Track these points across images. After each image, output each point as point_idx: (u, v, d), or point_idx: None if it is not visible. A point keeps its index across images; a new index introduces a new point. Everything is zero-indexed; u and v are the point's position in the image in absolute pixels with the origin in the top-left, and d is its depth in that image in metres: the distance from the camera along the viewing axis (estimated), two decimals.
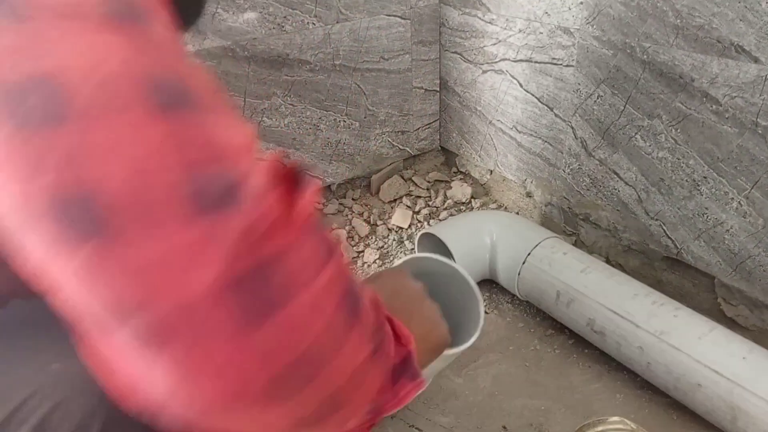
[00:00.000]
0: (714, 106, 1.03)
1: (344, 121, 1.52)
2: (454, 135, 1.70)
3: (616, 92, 1.18)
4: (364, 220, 1.54)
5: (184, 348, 0.32)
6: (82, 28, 0.34)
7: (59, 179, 0.31)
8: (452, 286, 0.82)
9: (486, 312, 1.27)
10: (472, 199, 1.62)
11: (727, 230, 1.08)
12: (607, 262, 1.34)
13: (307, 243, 0.37)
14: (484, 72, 1.50)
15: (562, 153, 1.36)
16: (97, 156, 0.32)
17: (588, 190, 1.33)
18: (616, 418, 0.89)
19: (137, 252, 0.32)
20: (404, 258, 0.78)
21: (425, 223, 1.54)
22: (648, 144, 1.16)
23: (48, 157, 0.32)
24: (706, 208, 1.10)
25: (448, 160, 1.78)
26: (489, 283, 1.33)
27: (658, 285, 1.24)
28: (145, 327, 0.32)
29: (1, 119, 0.32)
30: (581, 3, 1.19)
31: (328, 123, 1.49)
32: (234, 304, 0.33)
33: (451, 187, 1.65)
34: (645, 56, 1.11)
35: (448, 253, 1.25)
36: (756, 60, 0.95)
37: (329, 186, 1.61)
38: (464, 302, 0.81)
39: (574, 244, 1.39)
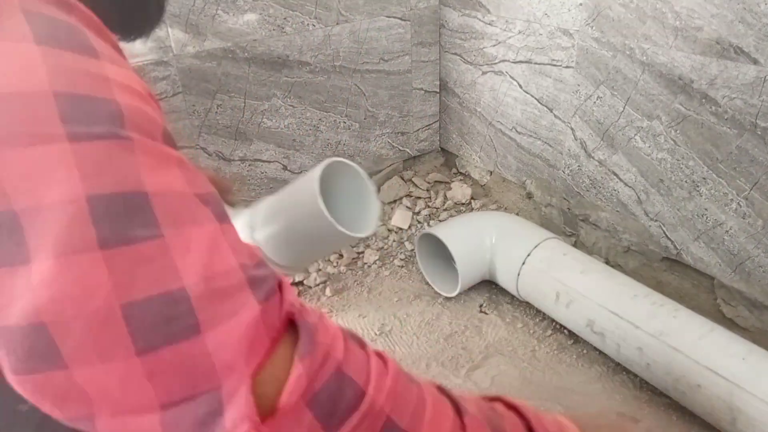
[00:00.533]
0: (713, 108, 1.03)
1: (344, 123, 1.52)
2: (454, 136, 1.70)
3: (616, 93, 1.18)
4: None
5: None
6: None
7: None
8: (353, 185, 0.87)
9: (486, 313, 1.27)
10: (472, 200, 1.62)
11: (727, 231, 1.08)
12: (607, 262, 1.34)
13: None
14: (484, 73, 1.50)
15: (561, 154, 1.36)
16: None
17: (588, 191, 1.33)
18: None
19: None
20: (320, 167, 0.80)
21: (425, 224, 1.54)
22: (647, 145, 1.16)
23: None
24: (706, 209, 1.10)
25: (448, 161, 1.78)
26: (489, 284, 1.33)
27: (657, 286, 1.24)
28: None
29: None
30: (581, 4, 1.19)
31: (328, 124, 1.50)
32: None
33: (451, 188, 1.65)
34: (644, 57, 1.11)
35: (448, 254, 1.26)
36: (755, 61, 0.95)
37: None
38: (362, 197, 0.87)
39: (574, 245, 1.39)
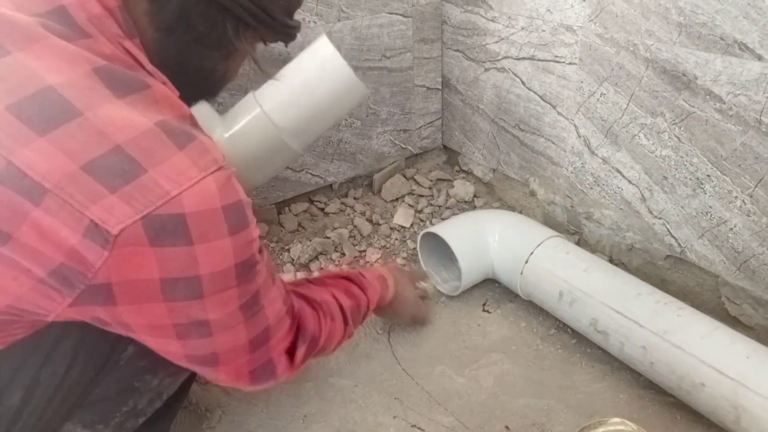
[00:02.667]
0: (717, 104, 1.02)
1: (346, 120, 1.52)
2: (457, 133, 1.69)
3: (619, 90, 1.18)
4: (367, 219, 1.54)
5: None
6: None
7: None
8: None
9: (488, 312, 1.26)
10: (475, 198, 1.61)
11: (731, 229, 1.08)
12: (611, 261, 1.33)
13: None
14: (487, 70, 1.49)
15: (564, 151, 1.36)
16: None
17: (591, 188, 1.33)
18: (617, 419, 0.88)
19: None
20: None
21: (428, 222, 1.54)
22: (651, 142, 1.15)
23: None
24: (710, 207, 1.10)
25: (451, 158, 1.77)
26: (491, 283, 1.32)
27: (661, 284, 1.24)
28: None
29: None
30: (584, 0, 1.18)
31: None
32: None
33: (453, 186, 1.65)
34: (648, 54, 1.10)
35: (450, 253, 1.25)
36: (760, 57, 0.94)
37: (331, 185, 1.61)
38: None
39: (577, 243, 1.38)
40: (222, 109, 1.31)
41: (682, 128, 1.09)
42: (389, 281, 0.99)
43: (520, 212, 1.52)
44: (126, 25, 0.58)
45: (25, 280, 0.49)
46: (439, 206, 1.59)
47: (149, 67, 0.58)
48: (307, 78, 1.01)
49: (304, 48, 1.07)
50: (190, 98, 0.71)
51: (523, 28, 1.34)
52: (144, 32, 0.60)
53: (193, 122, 0.58)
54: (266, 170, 1.08)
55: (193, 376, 0.85)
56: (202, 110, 1.00)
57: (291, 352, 0.73)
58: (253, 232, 0.58)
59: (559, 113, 1.33)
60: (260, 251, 0.61)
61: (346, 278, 0.91)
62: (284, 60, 1.35)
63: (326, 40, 0.99)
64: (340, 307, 0.84)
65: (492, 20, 1.42)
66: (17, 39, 0.50)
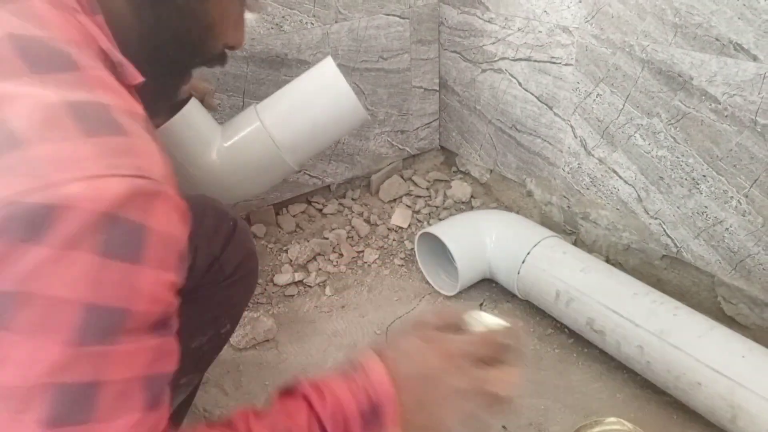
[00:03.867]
0: (713, 105, 1.02)
1: None
2: (454, 134, 1.70)
3: (615, 91, 1.18)
4: (364, 220, 1.54)
5: None
6: None
7: None
8: None
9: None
10: (472, 199, 1.62)
11: (727, 229, 1.08)
12: (607, 261, 1.34)
13: None
14: (484, 71, 1.50)
15: (561, 152, 1.36)
16: None
17: (588, 188, 1.33)
18: (613, 419, 0.89)
19: None
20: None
21: (425, 222, 1.54)
22: (647, 142, 1.16)
23: None
24: (706, 207, 1.10)
25: (448, 159, 1.78)
26: (489, 283, 1.33)
27: (657, 284, 1.24)
28: None
29: None
30: (580, 1, 1.19)
31: None
32: None
33: (451, 187, 1.65)
34: (644, 55, 1.10)
35: (448, 253, 1.25)
36: (755, 58, 0.94)
37: (329, 186, 1.61)
38: None
39: (574, 243, 1.39)
40: (222, 122, 1.32)
41: (677, 129, 1.10)
42: (371, 395, 0.50)
43: (517, 213, 1.53)
44: (88, 2, 0.50)
45: None
46: (437, 207, 1.59)
47: (105, 44, 0.49)
48: (309, 97, 1.02)
49: (311, 66, 1.10)
50: (176, 71, 0.66)
51: (519, 30, 1.35)
52: (118, 23, 0.53)
53: (145, 125, 0.45)
54: (262, 183, 1.09)
55: (195, 390, 0.85)
56: (202, 119, 1.00)
57: None
58: (145, 277, 0.40)
59: (555, 114, 1.34)
60: (150, 331, 0.41)
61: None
62: (281, 61, 1.35)
63: (331, 62, 1.00)
64: None
65: (489, 21, 1.42)
66: None
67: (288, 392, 0.51)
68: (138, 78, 0.51)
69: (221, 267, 0.87)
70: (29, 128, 0.38)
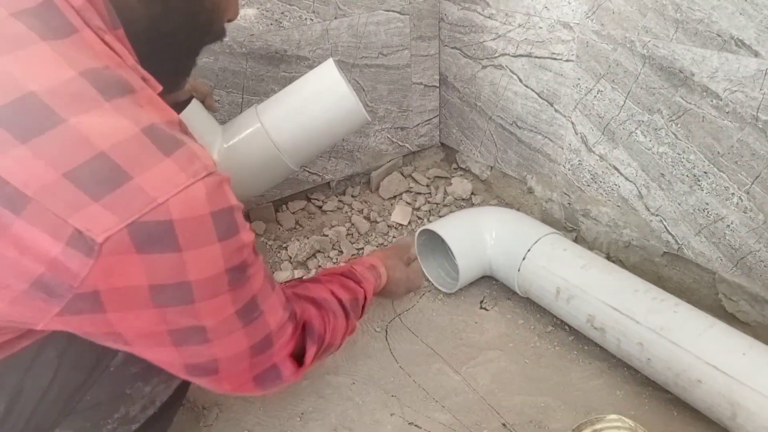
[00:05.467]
0: (714, 101, 1.02)
1: None
2: (454, 131, 1.69)
3: (616, 87, 1.17)
4: (364, 217, 1.54)
5: None
6: None
7: None
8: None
9: (486, 309, 1.26)
10: (473, 195, 1.61)
11: (728, 225, 1.08)
12: (608, 257, 1.33)
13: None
14: (484, 67, 1.49)
15: (562, 149, 1.36)
16: None
17: (588, 185, 1.33)
18: (614, 416, 0.88)
19: None
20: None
21: (425, 219, 1.54)
22: (648, 139, 1.15)
23: None
24: (707, 204, 1.10)
25: (448, 156, 1.77)
26: (489, 280, 1.32)
27: (658, 281, 1.24)
28: None
29: None
30: None
31: None
32: None
33: (451, 184, 1.65)
34: (645, 50, 1.10)
35: (448, 250, 1.25)
36: (756, 54, 0.94)
37: (329, 183, 1.61)
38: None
39: (575, 240, 1.38)
40: (221, 118, 1.32)
41: (678, 125, 1.09)
42: (380, 269, 1.00)
43: (518, 209, 1.52)
44: (108, 14, 0.56)
45: (6, 293, 0.48)
46: (437, 204, 1.59)
47: (130, 62, 0.57)
48: (309, 100, 1.02)
49: (312, 68, 1.09)
50: (188, 54, 0.72)
51: (520, 25, 1.34)
52: (129, 15, 0.58)
53: (183, 128, 0.56)
54: (262, 183, 1.09)
55: (187, 383, 0.84)
56: (203, 119, 1.00)
57: (297, 354, 0.72)
58: (244, 237, 0.56)
59: (556, 110, 1.33)
60: (255, 256, 0.60)
61: (341, 274, 0.92)
62: (281, 57, 1.34)
63: (332, 64, 0.99)
64: (340, 302, 0.84)
65: (489, 17, 1.42)
66: (1, 43, 0.49)
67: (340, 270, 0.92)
68: (159, 87, 0.59)
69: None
70: (128, 160, 0.48)
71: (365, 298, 0.92)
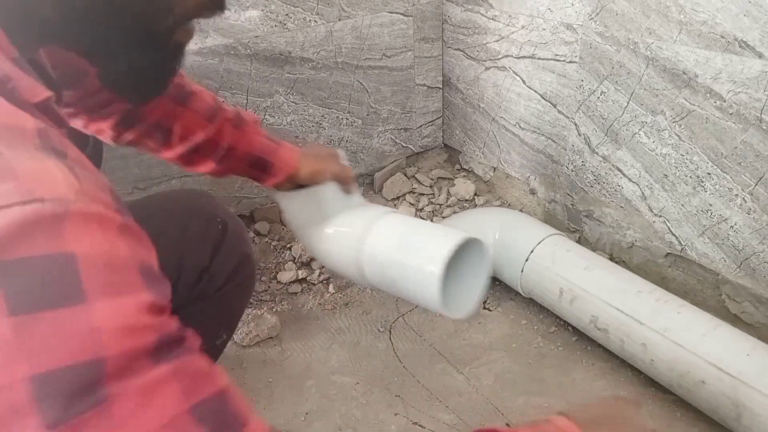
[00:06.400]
0: (718, 102, 1.02)
1: (347, 119, 1.52)
2: (457, 132, 1.69)
3: (620, 88, 1.18)
4: None
5: None
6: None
7: None
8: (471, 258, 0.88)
9: (489, 310, 1.26)
10: (476, 196, 1.61)
11: (732, 227, 1.08)
12: (611, 258, 1.33)
13: None
14: (487, 69, 1.49)
15: (565, 150, 1.36)
16: None
17: (591, 186, 1.33)
18: None
19: None
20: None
21: (428, 220, 1.54)
22: (651, 140, 1.16)
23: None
24: (711, 205, 1.10)
25: (452, 157, 1.78)
26: (492, 281, 1.33)
27: (662, 282, 1.24)
28: None
29: None
30: None
31: (330, 121, 1.49)
32: None
33: (454, 185, 1.65)
34: (648, 52, 1.10)
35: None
36: (760, 55, 0.94)
37: None
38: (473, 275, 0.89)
39: (578, 241, 1.38)
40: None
41: (682, 126, 1.09)
42: None
43: (521, 210, 1.53)
44: None
45: None
46: (440, 205, 1.59)
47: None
48: (405, 265, 0.86)
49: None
50: (149, 39, 0.51)
51: (523, 27, 1.35)
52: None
53: (44, 141, 0.37)
54: (341, 272, 1.01)
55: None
56: (329, 201, 0.92)
57: None
58: (95, 313, 0.32)
59: (559, 112, 1.33)
60: (154, 357, 0.34)
61: None
62: (285, 59, 1.35)
63: (445, 255, 0.80)
64: None
65: (492, 19, 1.42)
66: None
67: None
68: (40, 95, 0.42)
69: (212, 278, 0.79)
70: None
71: None
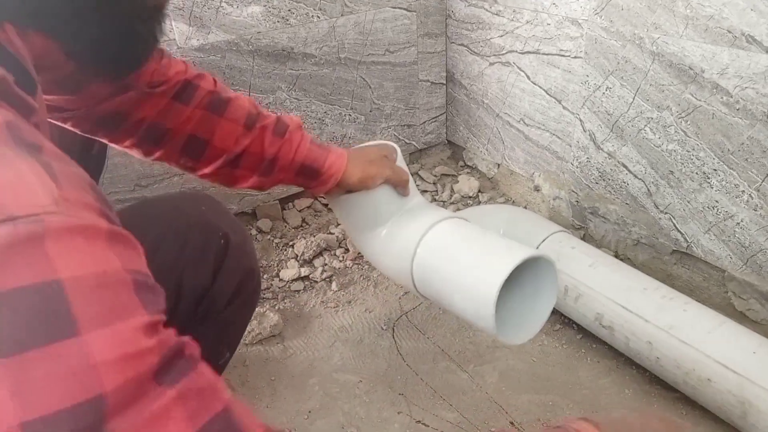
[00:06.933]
0: (724, 98, 1.01)
1: (350, 115, 1.51)
2: (461, 128, 1.68)
3: (625, 84, 1.17)
4: None
5: None
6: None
7: None
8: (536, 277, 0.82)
9: None
10: (480, 193, 1.61)
11: (738, 223, 1.07)
12: (616, 256, 1.33)
13: None
14: (491, 64, 1.48)
15: (570, 146, 1.35)
16: None
17: (596, 183, 1.32)
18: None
19: None
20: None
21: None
22: (657, 136, 1.15)
23: None
24: (717, 201, 1.09)
25: (455, 153, 1.77)
26: None
27: (667, 279, 1.23)
28: None
29: None
30: None
31: (333, 117, 1.49)
32: None
33: (458, 181, 1.64)
34: (654, 47, 1.09)
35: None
36: (767, 50, 0.93)
37: None
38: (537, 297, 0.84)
39: (583, 238, 1.38)
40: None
41: (688, 122, 1.08)
42: None
43: (525, 207, 1.52)
44: None
45: None
46: (444, 201, 1.58)
47: None
48: (455, 282, 0.82)
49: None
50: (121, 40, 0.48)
51: (528, 22, 1.34)
52: None
53: (18, 139, 0.33)
54: (390, 276, 0.95)
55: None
56: (383, 204, 0.87)
57: None
58: (89, 346, 0.29)
59: (564, 107, 1.32)
60: (159, 381, 0.32)
61: None
62: (288, 55, 1.34)
63: (502, 275, 0.74)
64: None
65: (497, 14, 1.41)
66: None
67: None
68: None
69: (214, 300, 0.73)
70: None
71: None
